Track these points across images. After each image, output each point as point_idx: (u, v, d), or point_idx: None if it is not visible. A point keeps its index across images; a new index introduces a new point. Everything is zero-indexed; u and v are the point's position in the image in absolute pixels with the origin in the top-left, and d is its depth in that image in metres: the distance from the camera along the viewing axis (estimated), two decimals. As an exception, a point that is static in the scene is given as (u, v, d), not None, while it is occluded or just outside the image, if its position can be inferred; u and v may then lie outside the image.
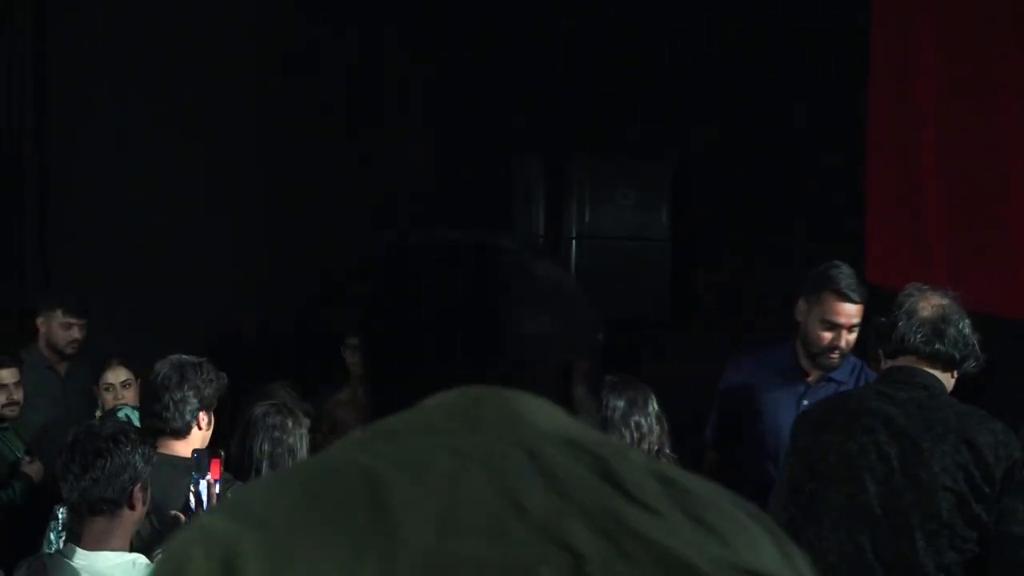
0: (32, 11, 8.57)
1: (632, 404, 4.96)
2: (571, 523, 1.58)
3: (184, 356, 5.20)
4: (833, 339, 5.64)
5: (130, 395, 7.11)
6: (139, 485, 4.23)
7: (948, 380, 4.44)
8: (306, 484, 1.63)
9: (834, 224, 8.13)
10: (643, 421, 4.95)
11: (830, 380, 5.77)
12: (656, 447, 4.97)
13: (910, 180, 7.70)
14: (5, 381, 6.95)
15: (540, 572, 1.54)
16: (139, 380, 7.08)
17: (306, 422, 6.21)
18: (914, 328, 4.41)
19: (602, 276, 8.37)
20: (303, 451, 5.44)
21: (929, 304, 4.46)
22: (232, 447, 5.55)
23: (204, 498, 4.49)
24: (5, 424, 6.98)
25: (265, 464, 5.27)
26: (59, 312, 7.62)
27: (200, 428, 5.07)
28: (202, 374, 5.10)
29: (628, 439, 4.85)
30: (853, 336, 5.65)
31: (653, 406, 5.02)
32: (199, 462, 4.53)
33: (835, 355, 5.69)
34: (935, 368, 4.40)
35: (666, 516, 1.62)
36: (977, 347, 4.45)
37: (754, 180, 8.47)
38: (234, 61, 8.81)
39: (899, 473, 4.25)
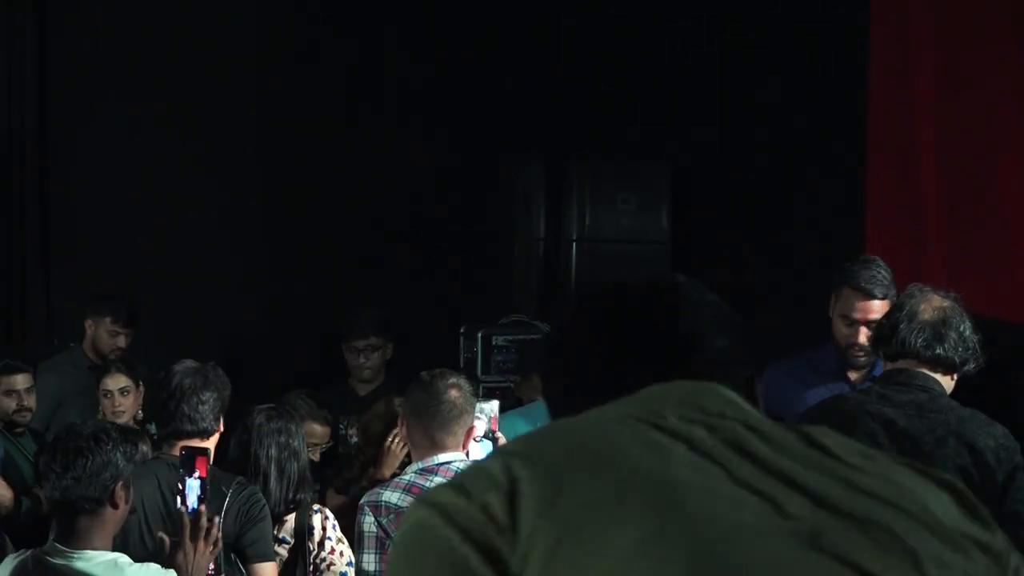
0: (32, 10, 8.54)
1: None
2: (813, 478, 1.82)
3: (195, 361, 5.23)
4: (851, 335, 5.54)
5: (128, 402, 7.03)
6: (121, 483, 4.20)
7: (948, 383, 4.41)
8: (572, 436, 1.87)
9: (834, 225, 8.11)
10: None
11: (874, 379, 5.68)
12: None
13: (910, 180, 7.67)
14: (17, 387, 6.88)
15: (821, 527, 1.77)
16: (140, 386, 7.00)
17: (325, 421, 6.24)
18: (915, 332, 4.36)
19: (602, 278, 8.12)
20: (304, 452, 5.44)
21: (930, 307, 4.40)
22: (231, 450, 5.55)
23: (196, 495, 4.46)
24: (19, 429, 6.92)
25: (273, 469, 5.28)
26: (108, 320, 7.64)
27: (219, 430, 5.13)
28: (219, 378, 5.15)
29: None
30: None
31: None
32: (186, 460, 4.51)
33: (860, 353, 5.56)
34: (936, 372, 4.36)
35: (874, 475, 1.87)
36: (978, 349, 4.40)
37: (753, 182, 8.46)
38: (234, 61, 8.78)
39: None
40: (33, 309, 8.58)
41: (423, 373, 5.14)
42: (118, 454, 4.20)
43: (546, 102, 8.75)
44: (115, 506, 4.20)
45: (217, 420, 5.06)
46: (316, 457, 6.24)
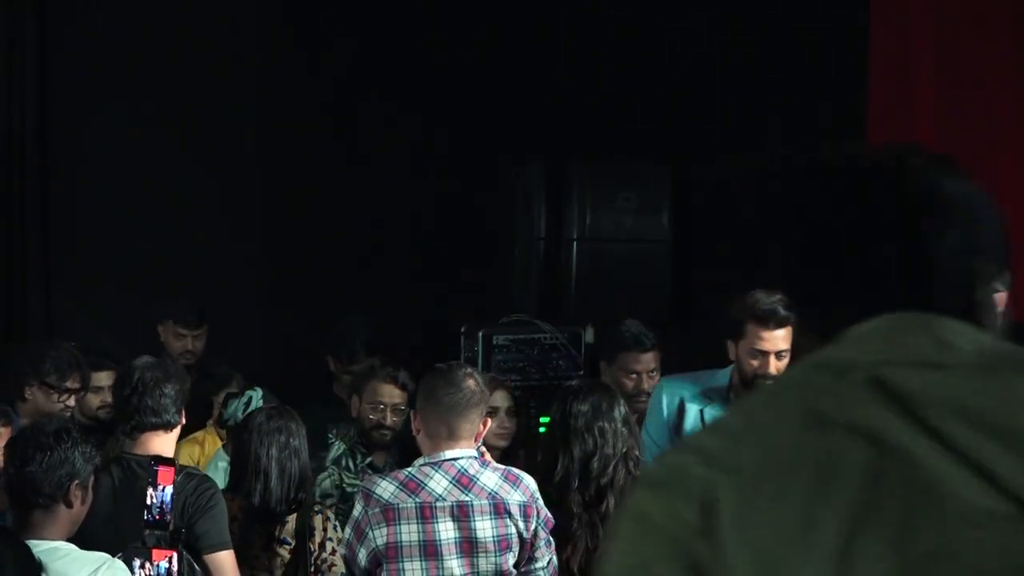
0: (33, 10, 8.49)
1: (596, 410, 5.04)
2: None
3: (159, 358, 5.37)
4: (760, 366, 5.52)
5: None
6: (76, 483, 4.24)
7: None
8: (762, 430, 1.78)
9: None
10: (607, 426, 5.04)
11: None
12: (624, 450, 5.05)
13: None
14: (101, 383, 6.64)
15: None
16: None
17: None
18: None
19: (602, 278, 8.41)
20: (305, 452, 5.43)
21: None
22: (232, 450, 5.68)
23: (166, 504, 4.54)
24: None
25: (274, 468, 5.29)
26: (171, 322, 7.56)
27: (181, 422, 5.17)
28: (179, 371, 5.30)
29: (592, 445, 4.98)
30: (783, 363, 5.50)
31: (620, 410, 5.10)
32: (152, 471, 4.61)
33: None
34: None
35: None
36: None
37: (754, 182, 8.28)
38: (233, 60, 8.77)
39: None
40: (33, 308, 8.46)
41: (439, 364, 5.10)
42: (76, 453, 4.24)
43: (547, 102, 8.76)
44: (69, 504, 4.23)
45: (179, 412, 5.08)
46: (387, 420, 6.13)
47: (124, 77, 8.53)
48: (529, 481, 4.81)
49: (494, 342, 7.72)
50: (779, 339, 5.39)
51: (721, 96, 8.44)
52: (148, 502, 4.53)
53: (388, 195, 8.80)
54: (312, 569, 5.27)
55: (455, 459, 4.79)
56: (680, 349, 8.04)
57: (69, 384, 6.39)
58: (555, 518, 4.85)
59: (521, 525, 4.73)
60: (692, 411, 5.49)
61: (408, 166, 8.81)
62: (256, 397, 5.97)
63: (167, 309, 7.56)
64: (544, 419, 6.45)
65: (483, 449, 5.08)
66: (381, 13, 8.85)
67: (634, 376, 6.35)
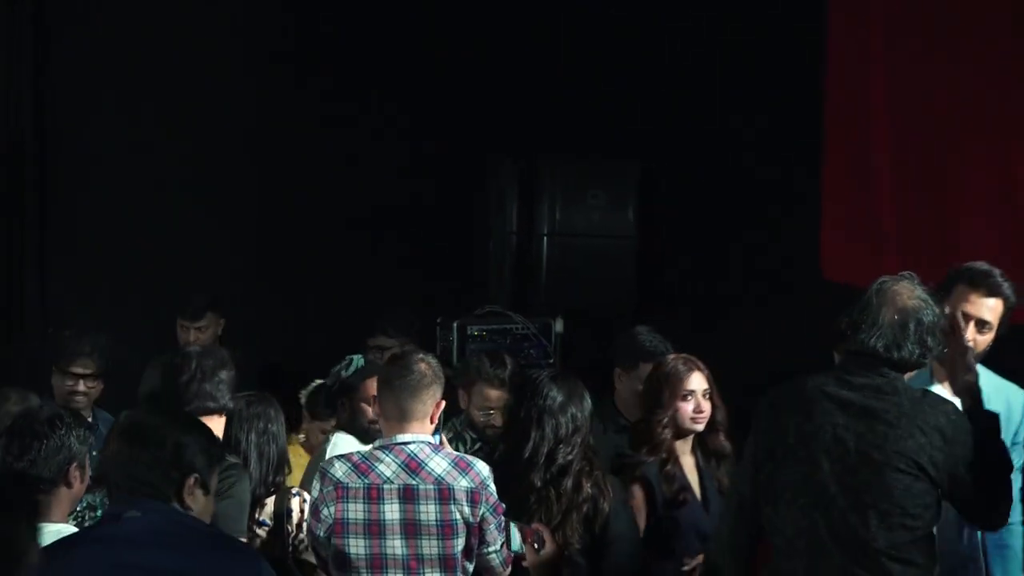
0: (31, 12, 8.45)
1: (570, 397, 5.08)
2: None
3: (209, 347, 5.44)
4: None
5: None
6: (75, 464, 4.22)
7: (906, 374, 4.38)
8: None
9: (792, 221, 8.12)
10: (578, 414, 5.08)
11: None
12: (586, 438, 5.11)
13: (864, 180, 7.71)
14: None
15: None
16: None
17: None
18: (875, 336, 4.30)
19: (572, 272, 8.47)
20: (283, 437, 5.40)
21: (893, 307, 4.31)
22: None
23: None
24: None
25: (253, 452, 5.24)
26: (178, 316, 7.52)
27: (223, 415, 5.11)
28: (229, 358, 5.18)
29: (562, 429, 5.01)
30: (982, 339, 5.06)
31: (587, 401, 5.13)
32: None
33: None
34: (892, 368, 4.32)
35: None
36: (936, 341, 4.35)
37: (717, 181, 8.48)
38: (226, 61, 8.70)
39: (854, 454, 4.20)
40: (30, 304, 8.45)
41: (395, 352, 5.21)
42: (71, 438, 4.23)
43: (519, 106, 8.75)
44: (69, 485, 4.22)
45: (231, 397, 5.06)
46: (497, 421, 5.92)
47: (122, 75, 8.49)
48: (481, 468, 4.80)
49: (468, 332, 7.74)
50: (985, 307, 5.00)
51: (685, 100, 8.46)
52: None
53: (367, 191, 8.79)
54: (290, 549, 5.26)
55: (406, 443, 4.81)
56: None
57: (75, 369, 6.41)
58: (516, 492, 4.90)
59: (467, 511, 4.73)
60: None
61: (386, 164, 8.79)
62: (358, 359, 5.99)
63: (181, 305, 7.53)
64: None
65: (442, 438, 5.10)
66: (364, 14, 8.84)
67: None
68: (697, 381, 5.40)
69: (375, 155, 8.79)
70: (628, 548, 5.01)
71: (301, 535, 5.25)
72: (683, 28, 8.49)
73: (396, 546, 4.74)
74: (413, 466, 4.76)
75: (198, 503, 3.73)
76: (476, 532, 4.76)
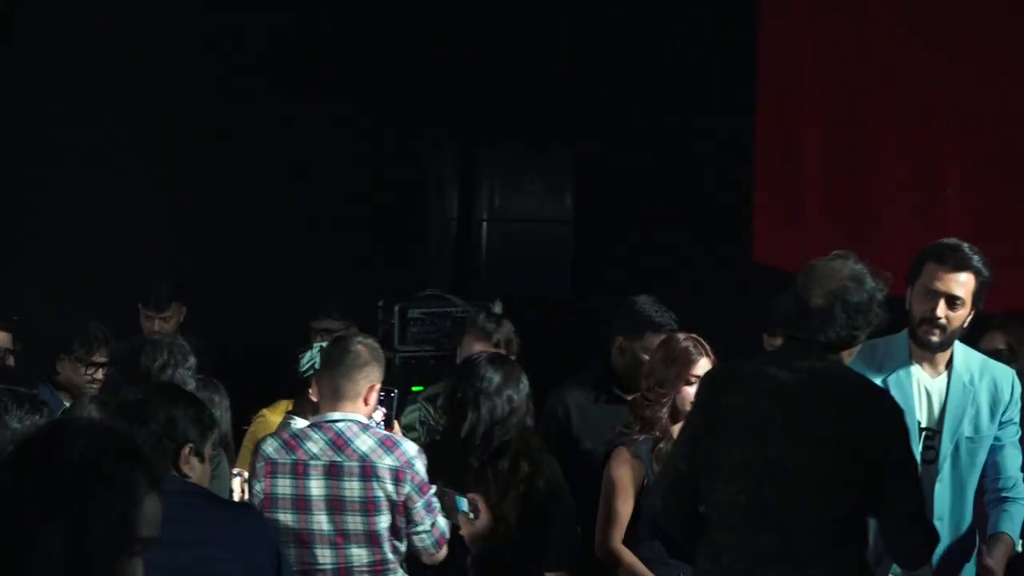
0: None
1: (507, 379, 5.05)
2: None
3: (173, 336, 5.40)
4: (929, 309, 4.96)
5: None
6: None
7: (846, 354, 4.34)
8: None
9: (722, 206, 8.15)
10: (515, 396, 5.04)
11: None
12: (524, 420, 5.09)
13: (792, 167, 7.74)
14: None
15: None
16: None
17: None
18: (804, 318, 4.28)
19: (510, 255, 8.52)
20: (226, 421, 5.42)
21: (822, 289, 4.26)
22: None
23: None
24: None
25: None
26: (141, 306, 7.48)
27: None
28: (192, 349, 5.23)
29: (500, 410, 4.99)
30: (955, 314, 4.87)
31: (524, 384, 5.11)
32: None
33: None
34: (829, 350, 4.31)
35: None
36: (876, 310, 4.28)
37: (650, 167, 8.49)
38: (180, 57, 8.68)
39: (788, 434, 4.21)
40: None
41: (337, 335, 5.28)
42: (13, 421, 4.22)
43: (460, 95, 8.76)
44: None
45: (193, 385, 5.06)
46: None
47: (79, 70, 8.44)
48: (408, 448, 4.86)
49: (409, 315, 7.77)
50: (955, 282, 4.79)
51: (619, 89, 8.48)
52: None
53: (311, 179, 8.81)
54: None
55: (335, 421, 4.88)
56: (579, 322, 8.20)
57: (95, 358, 6.43)
58: (454, 470, 4.94)
59: (390, 488, 4.78)
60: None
61: (330, 152, 8.78)
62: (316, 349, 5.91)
63: (143, 294, 7.52)
64: (416, 388, 6.52)
65: (378, 419, 5.14)
66: (304, 9, 8.84)
67: None
68: (704, 367, 5.19)
69: (320, 147, 8.78)
70: (564, 523, 5.01)
71: None
72: (613, 19, 8.51)
73: (322, 521, 4.81)
74: (339, 443, 4.83)
75: (195, 471, 3.84)
76: (401, 510, 4.81)
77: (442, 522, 4.90)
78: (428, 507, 4.84)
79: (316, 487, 4.84)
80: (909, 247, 6.84)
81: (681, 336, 5.30)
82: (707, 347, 5.24)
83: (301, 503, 4.84)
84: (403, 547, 4.89)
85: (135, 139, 8.48)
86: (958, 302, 4.77)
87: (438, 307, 7.82)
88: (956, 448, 4.83)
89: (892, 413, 4.24)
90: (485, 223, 8.54)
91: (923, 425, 4.83)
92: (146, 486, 2.19)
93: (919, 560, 4.40)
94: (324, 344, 5.63)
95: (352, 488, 4.83)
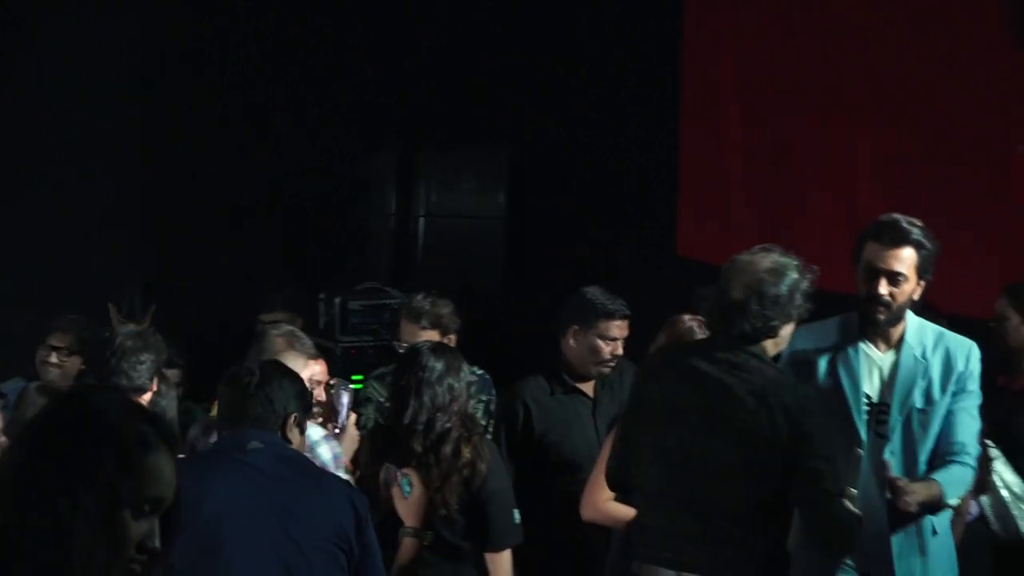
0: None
1: (448, 368, 5.03)
2: None
3: (142, 328, 5.32)
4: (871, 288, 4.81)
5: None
6: None
7: (771, 345, 4.39)
8: None
9: (648, 203, 8.27)
10: (456, 384, 5.01)
11: None
12: (465, 408, 5.08)
13: (716, 162, 7.85)
14: None
15: None
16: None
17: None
18: (723, 311, 4.35)
19: (446, 250, 8.57)
20: (174, 415, 5.43)
21: (739, 283, 4.32)
22: None
23: None
24: None
25: None
26: (111, 307, 7.36)
27: (152, 389, 5.14)
28: (158, 342, 5.19)
29: (442, 398, 4.94)
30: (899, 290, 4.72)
31: (465, 372, 5.11)
32: None
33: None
34: (748, 341, 4.36)
35: None
36: (797, 302, 4.33)
37: (578, 166, 8.60)
38: (119, 59, 8.57)
39: (705, 424, 4.27)
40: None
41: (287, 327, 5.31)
42: None
43: (396, 99, 8.84)
44: None
45: (151, 379, 5.10)
46: None
47: (19, 71, 8.37)
48: (311, 431, 4.93)
49: (349, 307, 7.82)
50: (894, 258, 4.66)
51: (549, 92, 8.59)
52: None
53: (260, 179, 8.81)
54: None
55: None
56: (511, 314, 8.27)
57: (53, 341, 6.47)
58: (398, 456, 4.92)
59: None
60: (822, 362, 4.83)
61: (278, 154, 8.81)
62: None
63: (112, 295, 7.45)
64: (356, 376, 6.50)
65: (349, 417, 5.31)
66: (240, 15, 8.82)
67: (611, 342, 5.72)
68: None
69: (265, 150, 8.79)
70: (503, 502, 4.99)
71: None
72: (542, 25, 8.61)
73: None
74: None
75: (295, 439, 4.04)
76: None
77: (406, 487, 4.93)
78: None
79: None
80: (829, 239, 7.05)
81: (686, 317, 5.22)
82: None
83: None
84: None
85: (84, 142, 8.41)
86: (900, 278, 4.65)
87: (377, 299, 7.85)
88: (907, 421, 4.70)
89: (804, 405, 4.25)
90: (422, 219, 8.61)
91: (873, 400, 4.73)
92: (155, 442, 2.17)
93: (839, 548, 4.41)
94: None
95: None
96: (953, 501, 4.75)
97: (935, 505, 4.65)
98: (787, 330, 4.38)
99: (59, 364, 6.58)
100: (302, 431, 4.11)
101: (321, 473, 4.16)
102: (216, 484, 3.92)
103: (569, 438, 5.69)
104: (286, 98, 8.86)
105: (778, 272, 4.31)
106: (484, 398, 6.12)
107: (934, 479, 4.63)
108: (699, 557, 4.28)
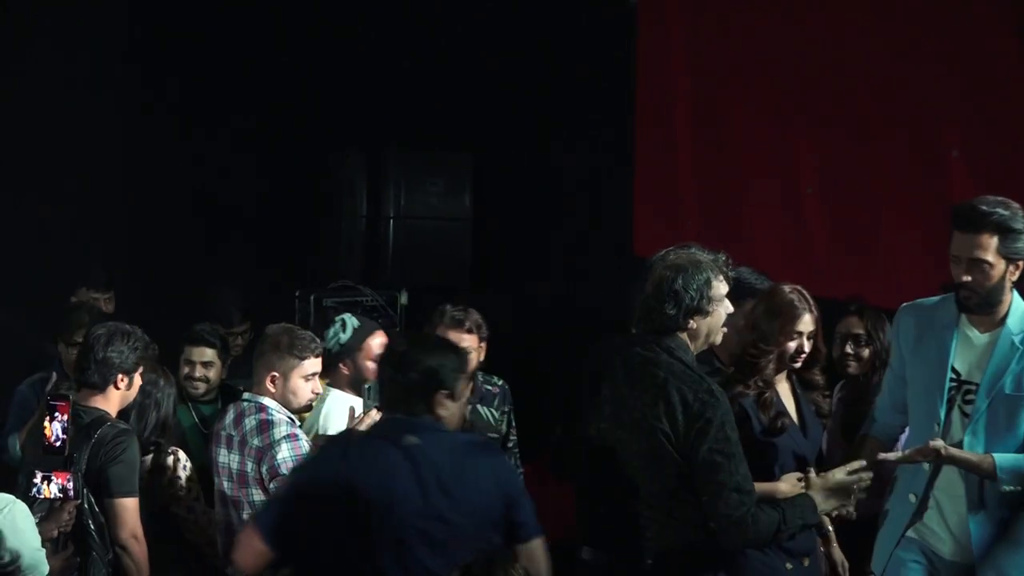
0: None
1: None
2: None
3: (120, 324, 5.18)
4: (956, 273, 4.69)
5: None
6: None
7: (684, 337, 4.38)
8: None
9: (607, 205, 8.31)
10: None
11: None
12: None
13: (669, 164, 7.86)
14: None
15: None
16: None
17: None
18: (639, 307, 4.41)
19: (414, 250, 8.60)
20: (169, 404, 5.42)
21: (651, 280, 4.38)
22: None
23: (60, 434, 4.64)
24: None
25: (133, 415, 5.23)
26: (84, 290, 7.32)
27: (118, 388, 5.05)
28: (129, 341, 5.07)
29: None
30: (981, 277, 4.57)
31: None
32: (51, 407, 4.72)
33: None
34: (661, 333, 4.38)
35: None
36: (703, 295, 4.32)
37: (540, 169, 8.67)
38: (85, 66, 8.56)
39: (615, 414, 4.34)
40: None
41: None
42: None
43: (365, 104, 8.86)
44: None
45: (113, 377, 5.02)
46: None
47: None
48: (276, 432, 5.03)
49: (323, 304, 7.89)
50: (974, 245, 4.50)
51: (513, 97, 8.63)
52: (47, 433, 4.66)
53: (238, 183, 8.84)
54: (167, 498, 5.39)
55: (242, 400, 5.20)
56: (477, 309, 8.31)
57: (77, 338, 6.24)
58: None
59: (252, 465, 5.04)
60: (921, 336, 4.73)
61: (254, 158, 8.85)
62: (350, 319, 5.63)
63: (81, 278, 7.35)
64: None
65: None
66: (213, 16, 8.81)
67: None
68: (807, 323, 4.78)
69: (241, 154, 8.80)
70: None
71: (173, 489, 5.36)
72: (504, 33, 8.65)
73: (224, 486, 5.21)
74: (236, 420, 5.17)
75: (448, 410, 4.06)
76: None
77: None
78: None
79: (219, 455, 5.13)
80: (772, 240, 7.16)
81: (786, 288, 4.89)
82: (810, 301, 4.84)
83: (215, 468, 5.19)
84: None
85: (58, 141, 8.36)
86: (983, 265, 4.49)
87: (350, 297, 7.95)
88: (993, 404, 4.54)
89: (704, 400, 4.23)
90: (392, 221, 8.61)
91: (963, 377, 4.60)
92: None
93: (729, 541, 4.26)
94: (346, 317, 5.64)
95: (234, 460, 5.08)
96: (1007, 487, 4.52)
97: (986, 477, 4.54)
98: (703, 323, 4.37)
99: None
100: (456, 399, 4.08)
101: (471, 450, 4.10)
102: (368, 466, 3.92)
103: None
104: (261, 104, 8.86)
105: (679, 267, 4.34)
106: (506, 408, 6.13)
107: (992, 455, 4.51)
108: (615, 539, 4.37)
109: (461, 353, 4.24)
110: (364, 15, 8.96)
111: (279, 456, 4.93)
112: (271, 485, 4.90)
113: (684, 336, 4.37)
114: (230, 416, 5.16)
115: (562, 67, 8.45)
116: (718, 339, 4.49)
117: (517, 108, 8.64)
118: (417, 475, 3.89)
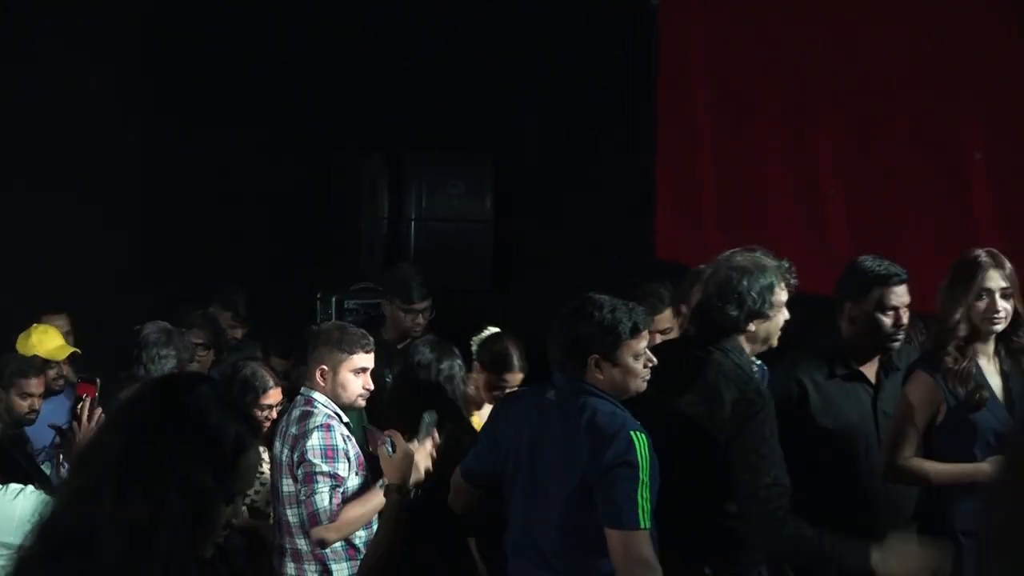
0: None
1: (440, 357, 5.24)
2: None
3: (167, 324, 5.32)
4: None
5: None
6: None
7: (742, 339, 4.32)
8: None
9: (630, 207, 8.24)
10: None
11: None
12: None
13: (690, 167, 7.80)
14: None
15: None
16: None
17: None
18: (696, 308, 4.41)
19: (437, 252, 8.56)
20: None
21: (712, 281, 4.33)
22: None
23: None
24: None
25: None
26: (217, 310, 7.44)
27: None
28: (182, 342, 5.29)
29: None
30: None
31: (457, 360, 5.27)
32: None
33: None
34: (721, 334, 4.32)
35: None
36: (766, 299, 4.24)
37: (562, 171, 8.61)
38: (99, 77, 8.43)
39: (656, 412, 4.17)
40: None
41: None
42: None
43: (387, 106, 8.82)
44: None
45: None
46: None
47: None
48: (311, 421, 4.95)
49: (345, 305, 7.85)
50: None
51: (534, 100, 8.59)
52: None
53: (263, 187, 8.82)
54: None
55: (299, 395, 5.11)
56: (498, 311, 8.21)
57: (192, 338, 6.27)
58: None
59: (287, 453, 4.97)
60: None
61: (278, 163, 8.83)
62: None
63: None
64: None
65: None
66: (226, 16, 8.76)
67: (892, 312, 4.81)
68: (994, 279, 4.42)
69: (264, 157, 8.79)
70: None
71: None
72: (527, 34, 8.58)
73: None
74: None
75: (604, 374, 4.02)
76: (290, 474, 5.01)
77: (321, 502, 4.80)
78: (306, 479, 4.81)
79: (275, 447, 5.02)
80: (794, 242, 7.00)
81: (975, 251, 4.53)
82: (1001, 258, 4.48)
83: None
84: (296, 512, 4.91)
85: (81, 144, 8.30)
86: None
87: (371, 299, 7.84)
88: None
89: (752, 399, 4.15)
90: (413, 222, 8.61)
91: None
92: (248, 443, 2.20)
93: (763, 536, 4.15)
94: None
95: (284, 453, 4.96)
96: None
97: None
98: (762, 327, 4.33)
99: (197, 360, 6.44)
100: (613, 362, 4.00)
101: (598, 416, 4.00)
102: (514, 422, 4.12)
103: (845, 424, 4.86)
104: (284, 107, 8.83)
105: (745, 270, 4.29)
106: None
107: None
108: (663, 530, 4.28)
109: (611, 321, 4.04)
110: (388, 17, 8.95)
111: (308, 443, 4.85)
112: (298, 471, 4.84)
113: (741, 339, 4.34)
114: (290, 412, 5.11)
115: (584, 68, 8.39)
116: (774, 343, 4.42)
117: (538, 109, 8.61)
118: (548, 431, 4.05)
